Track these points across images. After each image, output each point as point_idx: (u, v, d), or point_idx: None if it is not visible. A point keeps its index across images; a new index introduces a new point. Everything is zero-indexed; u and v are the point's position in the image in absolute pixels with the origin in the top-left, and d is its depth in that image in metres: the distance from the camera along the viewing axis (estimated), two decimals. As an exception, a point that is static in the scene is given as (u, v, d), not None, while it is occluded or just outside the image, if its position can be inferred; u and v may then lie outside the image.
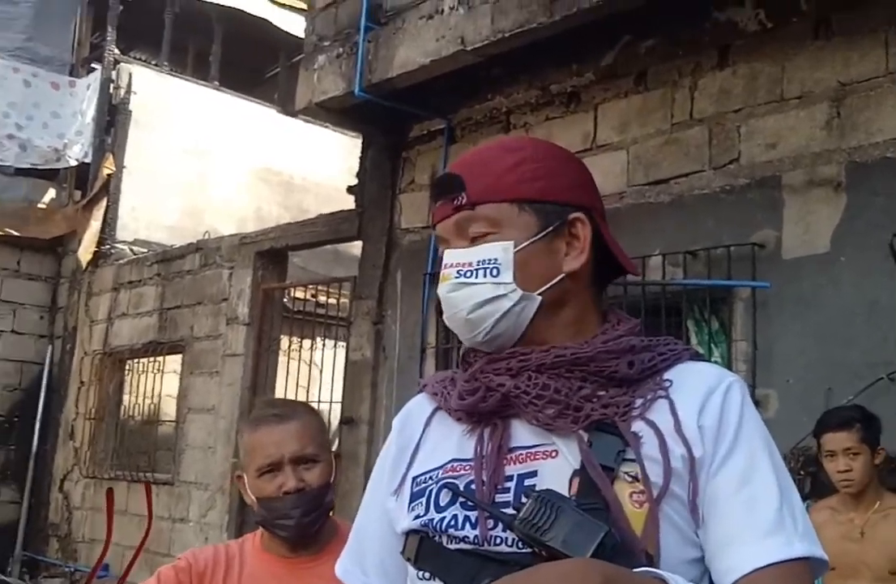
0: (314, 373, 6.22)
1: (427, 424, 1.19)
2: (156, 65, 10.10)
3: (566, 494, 1.01)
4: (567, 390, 1.06)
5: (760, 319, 3.75)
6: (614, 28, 4.45)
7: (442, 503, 1.08)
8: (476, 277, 1.11)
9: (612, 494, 1.00)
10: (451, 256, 1.14)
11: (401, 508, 1.14)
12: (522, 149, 1.17)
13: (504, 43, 4.65)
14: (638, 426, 1.05)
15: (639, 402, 1.07)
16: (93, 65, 9.78)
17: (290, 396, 6.30)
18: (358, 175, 6.10)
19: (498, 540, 1.03)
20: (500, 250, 1.11)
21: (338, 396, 5.77)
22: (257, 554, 1.83)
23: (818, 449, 3.02)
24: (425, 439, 1.18)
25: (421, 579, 1.09)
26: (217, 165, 9.17)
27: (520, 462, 1.07)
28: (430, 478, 1.12)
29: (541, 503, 0.97)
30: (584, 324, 1.14)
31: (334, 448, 5.75)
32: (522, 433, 1.09)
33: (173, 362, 7.65)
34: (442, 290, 1.13)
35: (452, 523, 1.06)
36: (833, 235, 3.62)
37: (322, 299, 6.43)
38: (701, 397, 1.08)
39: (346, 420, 5.54)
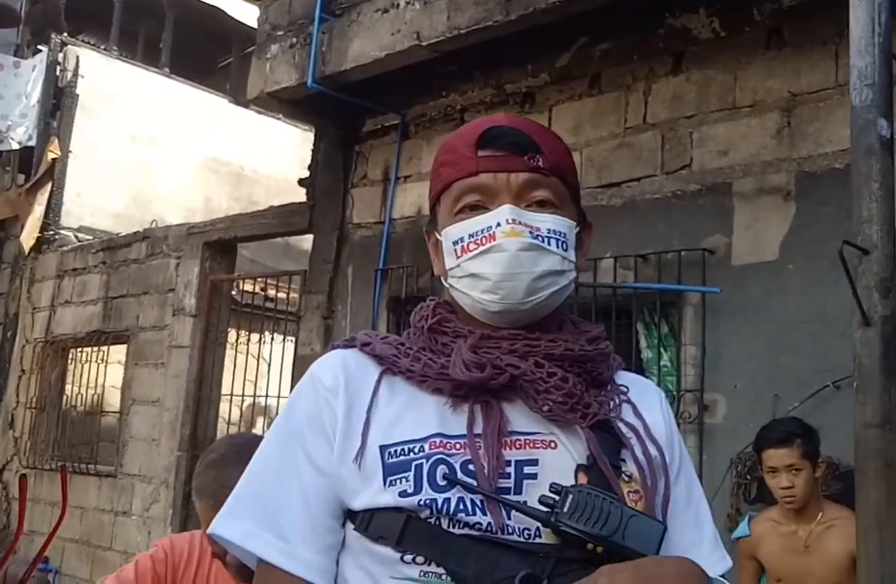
0: (262, 367, 6.16)
1: (376, 388, 1.09)
2: (105, 49, 9.87)
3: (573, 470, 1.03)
4: (576, 385, 1.07)
5: (710, 324, 3.81)
6: (570, 30, 4.46)
7: (440, 482, 1.00)
8: (550, 244, 1.08)
9: (622, 491, 1.03)
10: (520, 214, 1.08)
11: (365, 479, 1.03)
12: (562, 140, 1.19)
13: (459, 39, 4.64)
14: (620, 427, 1.10)
15: (611, 404, 1.11)
16: (39, 46, 9.52)
17: (238, 389, 6.26)
18: (310, 168, 6.05)
19: (509, 529, 0.99)
20: (568, 227, 1.11)
21: (286, 391, 5.73)
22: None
23: (759, 463, 3.05)
24: (378, 403, 1.07)
25: (406, 563, 1.00)
26: (166, 153, 9.02)
27: (517, 448, 1.04)
28: (411, 450, 1.03)
29: (586, 496, 0.97)
30: (561, 320, 1.16)
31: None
32: (518, 418, 1.06)
33: (117, 352, 7.53)
34: (512, 245, 1.06)
35: (461, 507, 0.99)
36: (782, 243, 3.68)
37: (271, 292, 6.37)
38: (657, 405, 1.18)
39: (294, 416, 5.51)
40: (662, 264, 3.98)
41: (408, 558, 1.00)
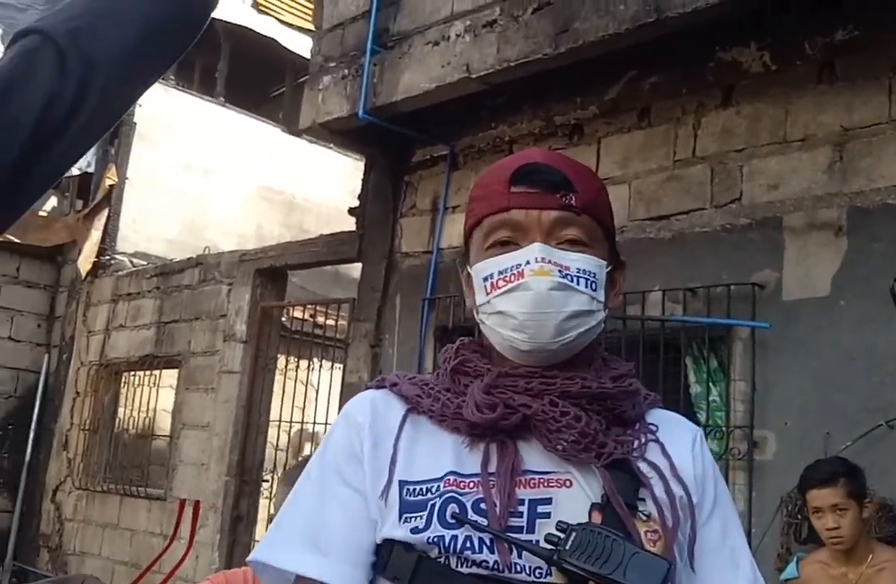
0: (310, 393, 6.22)
1: (402, 426, 1.11)
2: (162, 79, 10.08)
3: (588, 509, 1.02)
4: (590, 423, 1.06)
5: (759, 359, 3.77)
6: (619, 63, 4.48)
7: (450, 520, 1.02)
8: (578, 284, 1.08)
9: (637, 530, 1.02)
10: (549, 252, 1.08)
11: (388, 513, 1.05)
12: (598, 177, 1.21)
13: (509, 72, 4.68)
14: (642, 467, 1.08)
15: (636, 443, 1.10)
16: (98, 76, 9.78)
17: (286, 415, 6.31)
18: (360, 197, 6.12)
19: (518, 568, 1.00)
20: (598, 266, 1.11)
21: (333, 418, 5.77)
22: None
23: (804, 504, 3.00)
24: (403, 442, 1.09)
25: None
26: (219, 181, 9.20)
27: (531, 487, 1.04)
28: (428, 490, 1.05)
29: (590, 534, 0.97)
30: (591, 358, 1.16)
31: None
32: (533, 457, 1.07)
33: (169, 376, 7.65)
34: (541, 285, 1.06)
35: (468, 545, 1.00)
36: (833, 279, 3.64)
37: (320, 319, 6.44)
38: (688, 444, 1.16)
39: (341, 443, 5.54)
40: (711, 298, 3.95)
41: None
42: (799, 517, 3.36)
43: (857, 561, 2.88)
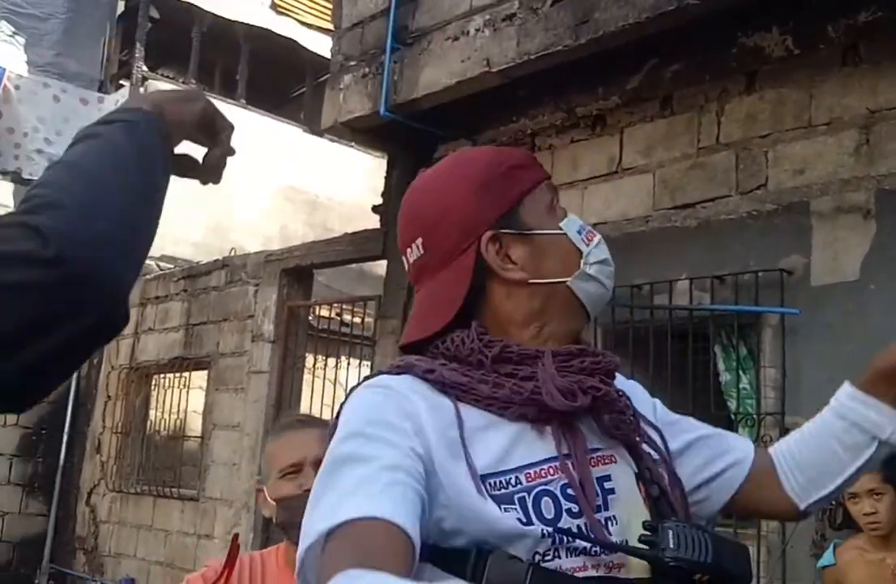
0: (339, 392, 6.24)
1: (458, 416, 1.02)
2: (183, 82, 10.20)
3: (640, 496, 1.08)
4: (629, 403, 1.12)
5: (789, 345, 3.73)
6: (640, 52, 4.46)
7: (548, 515, 1.00)
8: None
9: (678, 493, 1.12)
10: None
11: (468, 502, 0.97)
12: None
13: (529, 65, 4.67)
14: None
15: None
16: (121, 81, 9.89)
17: (315, 414, 6.33)
18: (383, 195, 6.13)
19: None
20: None
21: (362, 415, 5.78)
22: (279, 570, 1.84)
23: None
24: (467, 432, 1.01)
25: None
26: (243, 183, 9.24)
27: (593, 465, 1.06)
28: (510, 483, 1.00)
29: (682, 529, 1.01)
30: None
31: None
32: (588, 437, 1.08)
33: (199, 377, 7.70)
34: (608, 252, 1.16)
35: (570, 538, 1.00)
36: (862, 263, 3.60)
37: (347, 317, 6.46)
38: (637, 390, 1.26)
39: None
40: (739, 286, 3.92)
41: None
42: (833, 502, 3.32)
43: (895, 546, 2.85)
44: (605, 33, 4.26)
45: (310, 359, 6.72)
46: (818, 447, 1.25)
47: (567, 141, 5.02)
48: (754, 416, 3.78)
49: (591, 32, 4.33)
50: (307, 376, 6.63)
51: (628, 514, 1.05)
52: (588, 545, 1.00)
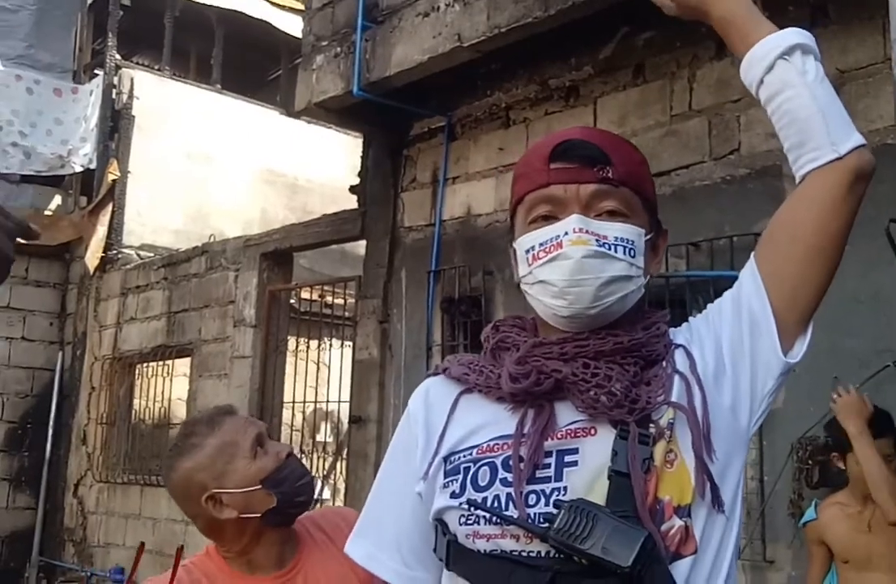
0: (323, 373, 6.22)
1: (453, 407, 1.20)
2: (157, 69, 10.11)
3: (607, 470, 1.07)
4: (621, 378, 1.11)
5: (765, 309, 3.72)
6: (611, 20, 4.43)
7: (482, 483, 1.11)
8: (616, 251, 1.13)
9: (642, 481, 1.06)
10: (587, 223, 1.13)
11: (431, 489, 1.17)
12: (638, 149, 1.26)
13: (501, 38, 4.64)
14: (675, 382, 1.14)
15: (664, 385, 1.14)
16: (95, 71, 9.80)
17: (299, 396, 6.32)
18: (360, 174, 6.10)
19: (541, 520, 1.06)
20: (637, 234, 1.16)
21: (347, 395, 5.78)
22: (232, 578, 1.70)
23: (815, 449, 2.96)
24: (453, 421, 1.19)
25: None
26: (221, 168, 9.19)
27: (559, 438, 1.11)
28: (462, 456, 1.15)
29: (574, 512, 1.03)
30: (633, 320, 1.21)
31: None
32: (567, 415, 1.13)
33: (182, 365, 7.67)
34: (577, 252, 1.11)
35: (496, 503, 1.09)
36: (836, 224, 3.58)
37: (329, 299, 6.44)
38: (696, 325, 1.26)
39: (354, 419, 5.55)
40: (715, 251, 3.92)
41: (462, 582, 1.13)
42: (809, 462, 3.35)
43: (872, 500, 2.87)
44: (574, 3, 4.23)
45: (293, 342, 6.69)
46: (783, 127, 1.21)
47: (541, 113, 4.99)
48: (733, 381, 3.77)
49: (560, 2, 4.30)
50: (291, 359, 6.60)
51: (587, 486, 1.08)
52: (511, 514, 1.07)
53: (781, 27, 4.10)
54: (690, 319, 1.26)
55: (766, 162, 3.87)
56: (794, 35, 1.21)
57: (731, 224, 3.90)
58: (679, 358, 1.17)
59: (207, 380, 7.10)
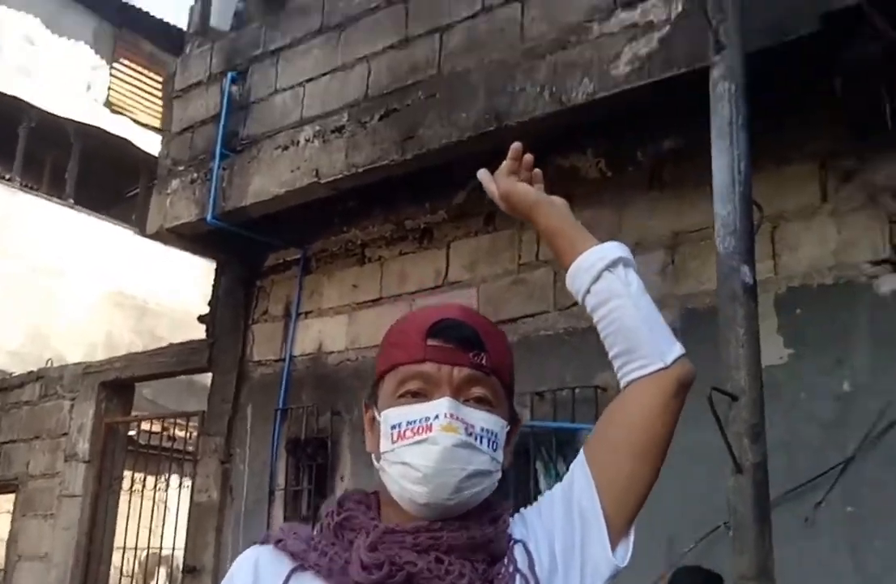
0: (162, 513, 5.81)
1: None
2: (8, 179, 9.78)
3: None
4: (472, 576, 1.08)
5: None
6: (465, 168, 4.52)
7: None
8: (481, 443, 1.11)
9: None
10: (458, 408, 1.11)
11: None
12: (507, 339, 1.26)
13: (357, 177, 4.68)
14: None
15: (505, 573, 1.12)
16: (-59, 179, 9.41)
17: (133, 539, 5.86)
18: (210, 303, 5.93)
19: None
20: (500, 426, 1.15)
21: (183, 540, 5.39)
22: None
23: None
24: None
25: None
26: (68, 285, 8.84)
27: None
28: None
29: None
30: (480, 508, 1.16)
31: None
32: None
33: (6, 501, 7.07)
34: (447, 440, 1.09)
35: None
36: (672, 380, 3.63)
37: (172, 431, 6.10)
38: (534, 520, 1.20)
39: (188, 569, 5.16)
40: (558, 402, 3.91)
41: None
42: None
43: None
44: (429, 150, 4.32)
45: (129, 479, 6.26)
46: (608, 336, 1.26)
47: (396, 253, 5.00)
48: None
49: (416, 148, 4.38)
50: (126, 497, 6.16)
51: None
52: None
53: (619, 190, 4.25)
54: (523, 510, 1.22)
55: (607, 316, 3.92)
56: (617, 248, 1.25)
57: (572, 375, 3.93)
58: (519, 555, 1.13)
59: (32, 520, 6.53)
